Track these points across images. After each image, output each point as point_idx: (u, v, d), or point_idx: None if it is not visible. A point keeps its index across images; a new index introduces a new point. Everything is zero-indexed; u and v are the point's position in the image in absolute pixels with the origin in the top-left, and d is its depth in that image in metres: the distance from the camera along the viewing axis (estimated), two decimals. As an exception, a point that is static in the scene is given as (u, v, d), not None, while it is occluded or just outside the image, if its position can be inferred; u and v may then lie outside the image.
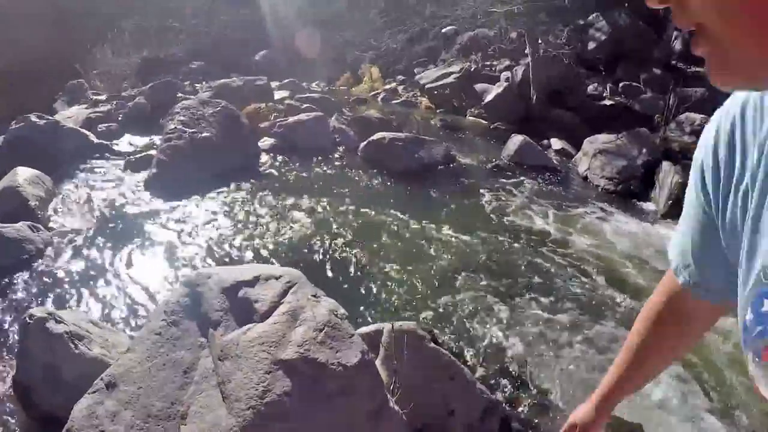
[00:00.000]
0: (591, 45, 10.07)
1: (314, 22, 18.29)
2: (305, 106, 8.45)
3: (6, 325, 3.60)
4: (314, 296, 2.23)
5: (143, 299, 3.88)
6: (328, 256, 4.48)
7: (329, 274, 4.26)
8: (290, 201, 5.50)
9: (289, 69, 15.75)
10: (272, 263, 4.28)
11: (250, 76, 11.41)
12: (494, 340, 3.49)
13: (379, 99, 11.53)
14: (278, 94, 10.37)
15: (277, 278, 2.28)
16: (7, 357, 3.26)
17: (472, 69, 10.78)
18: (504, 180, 6.52)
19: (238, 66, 15.22)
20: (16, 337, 3.35)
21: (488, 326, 3.62)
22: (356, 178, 6.30)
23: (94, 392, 2.08)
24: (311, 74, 14.29)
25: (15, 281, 4.08)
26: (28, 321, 2.84)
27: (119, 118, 8.78)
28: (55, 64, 13.32)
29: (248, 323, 2.10)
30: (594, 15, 10.11)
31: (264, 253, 4.54)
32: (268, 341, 1.97)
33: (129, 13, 14.37)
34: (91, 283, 4.08)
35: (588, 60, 9.96)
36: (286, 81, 13.31)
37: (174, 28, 16.32)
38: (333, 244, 4.65)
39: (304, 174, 6.31)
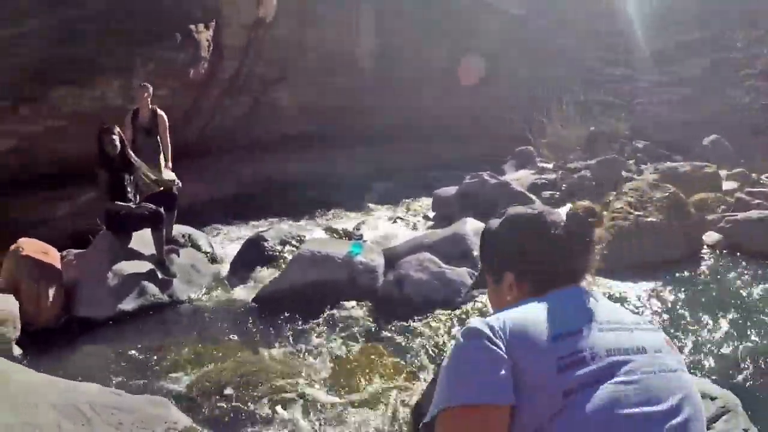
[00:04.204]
0: None
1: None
2: (756, 201, 7.32)
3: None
4: (745, 430, 2.01)
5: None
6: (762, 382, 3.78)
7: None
8: (732, 312, 4.77)
9: (739, 157, 13.82)
10: (709, 378, 3.62)
11: (697, 161, 10.77)
12: None
13: None
14: (726, 185, 9.45)
15: (712, 399, 2.13)
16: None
17: None
18: None
19: (684, 149, 14.50)
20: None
21: None
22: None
23: None
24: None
25: (439, 317, 4.63)
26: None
27: (563, 188, 9.35)
28: (513, 130, 14.92)
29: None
30: None
31: (699, 364, 4.02)
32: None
33: (574, 86, 15.04)
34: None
35: None
36: (736, 170, 11.86)
37: (615, 104, 16.44)
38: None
39: (750, 283, 5.42)
